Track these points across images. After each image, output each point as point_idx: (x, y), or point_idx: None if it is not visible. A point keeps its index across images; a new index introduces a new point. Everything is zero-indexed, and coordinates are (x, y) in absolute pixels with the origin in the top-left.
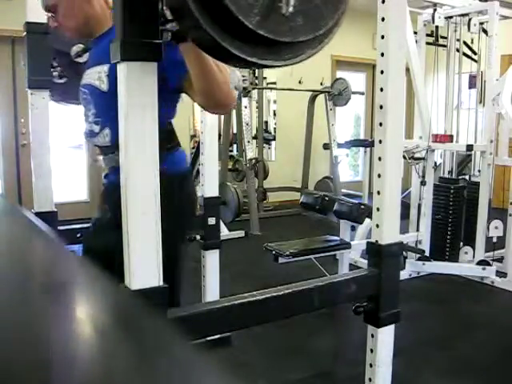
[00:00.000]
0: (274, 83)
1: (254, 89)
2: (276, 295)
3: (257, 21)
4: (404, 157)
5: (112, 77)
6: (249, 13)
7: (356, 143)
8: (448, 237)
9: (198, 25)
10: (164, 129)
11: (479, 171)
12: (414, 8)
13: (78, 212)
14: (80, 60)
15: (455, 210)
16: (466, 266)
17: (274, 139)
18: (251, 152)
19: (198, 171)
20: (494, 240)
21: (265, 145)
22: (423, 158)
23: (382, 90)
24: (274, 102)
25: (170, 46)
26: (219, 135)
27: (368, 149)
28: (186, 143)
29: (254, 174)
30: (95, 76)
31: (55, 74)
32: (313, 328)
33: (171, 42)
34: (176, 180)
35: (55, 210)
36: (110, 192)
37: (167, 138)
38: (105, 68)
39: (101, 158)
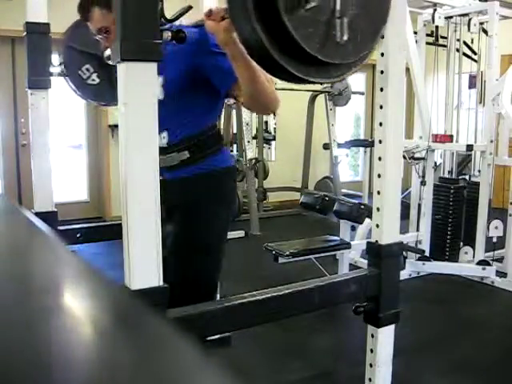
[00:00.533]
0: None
1: None
2: (276, 295)
3: (316, 48)
4: (404, 157)
5: (167, 86)
6: (310, 41)
7: (356, 143)
8: (448, 237)
9: (268, 53)
10: (213, 131)
11: (479, 171)
12: (414, 8)
13: (78, 212)
14: (111, 62)
15: (455, 209)
16: (466, 266)
17: (274, 139)
18: (251, 152)
19: None
20: (494, 240)
21: (265, 145)
22: (423, 158)
23: (381, 90)
24: None
25: (221, 56)
26: None
27: (368, 149)
28: None
29: (254, 174)
30: None
31: (86, 75)
32: (313, 328)
33: (223, 53)
34: (225, 176)
35: (55, 209)
36: (164, 186)
37: (217, 139)
38: (160, 79)
39: None
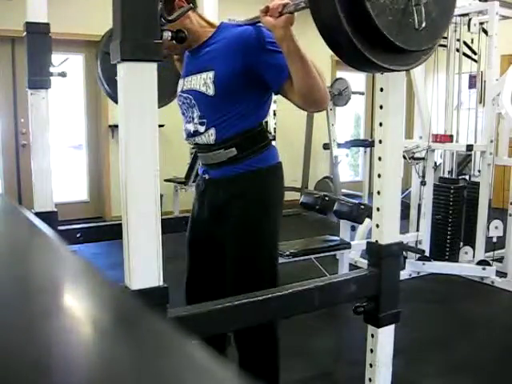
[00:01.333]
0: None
1: None
2: (276, 295)
3: (395, 34)
4: (404, 157)
5: (218, 82)
6: (390, 28)
7: (356, 143)
8: (448, 237)
9: (348, 39)
10: (260, 127)
11: (479, 171)
12: None
13: (78, 212)
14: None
15: (455, 210)
16: (466, 266)
17: (274, 139)
18: None
19: (197, 172)
20: (494, 240)
21: None
22: (423, 158)
23: (382, 90)
24: (274, 102)
25: (277, 53)
26: None
27: (368, 149)
28: (187, 143)
29: None
30: (200, 82)
31: None
32: (313, 328)
33: (277, 49)
34: (273, 174)
35: (55, 209)
36: (210, 184)
37: (264, 136)
38: (210, 75)
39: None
